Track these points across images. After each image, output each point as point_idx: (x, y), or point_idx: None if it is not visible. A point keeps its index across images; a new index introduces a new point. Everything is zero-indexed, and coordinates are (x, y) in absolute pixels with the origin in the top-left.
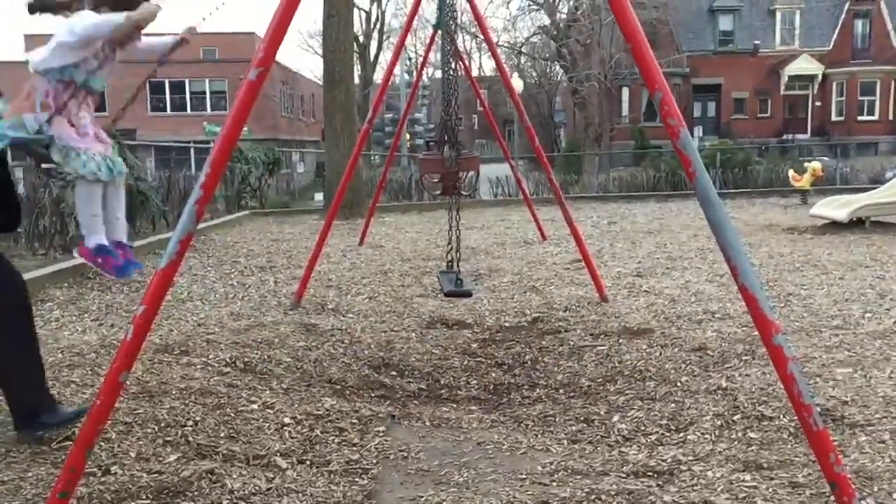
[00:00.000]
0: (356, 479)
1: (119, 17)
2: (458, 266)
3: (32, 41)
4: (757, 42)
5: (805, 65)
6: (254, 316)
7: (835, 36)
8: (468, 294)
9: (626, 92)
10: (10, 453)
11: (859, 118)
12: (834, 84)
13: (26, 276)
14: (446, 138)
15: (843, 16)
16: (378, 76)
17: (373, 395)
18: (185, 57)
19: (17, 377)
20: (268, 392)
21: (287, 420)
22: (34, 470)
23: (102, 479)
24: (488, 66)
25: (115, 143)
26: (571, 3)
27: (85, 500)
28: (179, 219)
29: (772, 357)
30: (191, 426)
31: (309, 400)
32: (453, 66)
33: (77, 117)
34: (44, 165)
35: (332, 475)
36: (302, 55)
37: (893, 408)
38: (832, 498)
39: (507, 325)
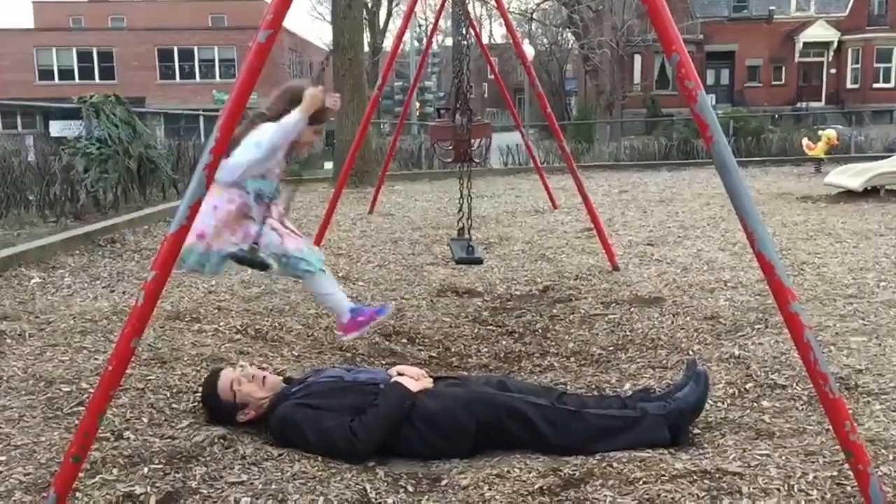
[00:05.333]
0: None
1: (295, 117)
2: (469, 233)
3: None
4: (772, 8)
5: (820, 31)
6: (264, 284)
7: (851, 2)
8: (479, 261)
9: (638, 59)
10: (23, 418)
11: (875, 86)
12: (849, 51)
13: (38, 244)
14: (458, 105)
15: None
16: (387, 44)
17: (383, 362)
18: (193, 24)
19: None
20: (279, 359)
21: None
22: (47, 434)
23: (115, 443)
24: (498, 34)
25: (125, 109)
26: None
27: (98, 465)
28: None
29: (788, 325)
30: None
31: (317, 368)
32: (464, 31)
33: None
34: None
35: None
36: (311, 22)
37: None
38: (846, 466)
39: (517, 293)
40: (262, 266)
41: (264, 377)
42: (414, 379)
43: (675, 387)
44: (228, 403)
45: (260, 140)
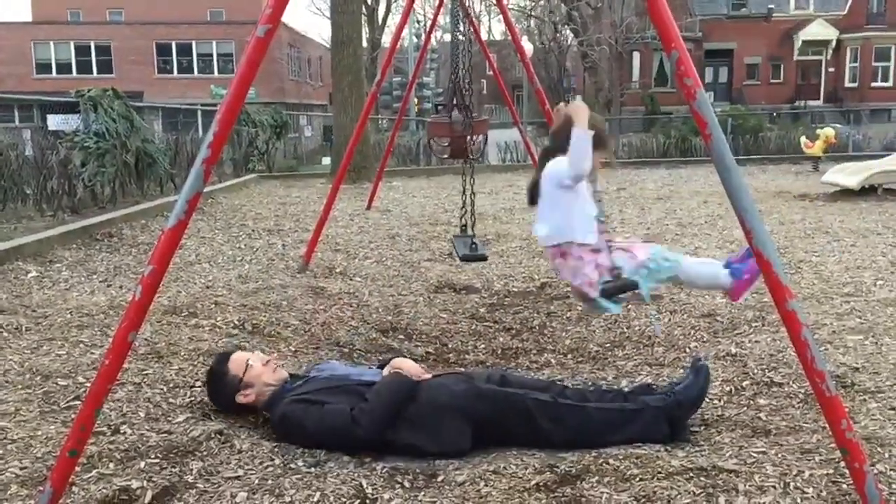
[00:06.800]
0: None
1: (587, 140)
2: (472, 230)
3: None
4: (771, 6)
5: (819, 30)
6: (262, 279)
7: (850, 0)
8: (483, 258)
9: (636, 57)
10: (19, 412)
11: (873, 84)
12: (848, 49)
13: (35, 238)
14: (455, 102)
15: None
16: (386, 39)
17: (380, 358)
18: (192, 18)
19: None
20: (276, 354)
21: None
22: (44, 428)
23: (112, 438)
24: (497, 30)
25: (123, 103)
26: None
27: (94, 459)
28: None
29: (785, 322)
30: (199, 387)
31: (317, 363)
32: (462, 28)
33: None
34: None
35: None
36: (310, 17)
37: None
38: (842, 464)
39: (515, 289)
40: (633, 286)
41: (275, 367)
42: (412, 372)
43: (676, 382)
44: (235, 379)
45: (562, 176)
